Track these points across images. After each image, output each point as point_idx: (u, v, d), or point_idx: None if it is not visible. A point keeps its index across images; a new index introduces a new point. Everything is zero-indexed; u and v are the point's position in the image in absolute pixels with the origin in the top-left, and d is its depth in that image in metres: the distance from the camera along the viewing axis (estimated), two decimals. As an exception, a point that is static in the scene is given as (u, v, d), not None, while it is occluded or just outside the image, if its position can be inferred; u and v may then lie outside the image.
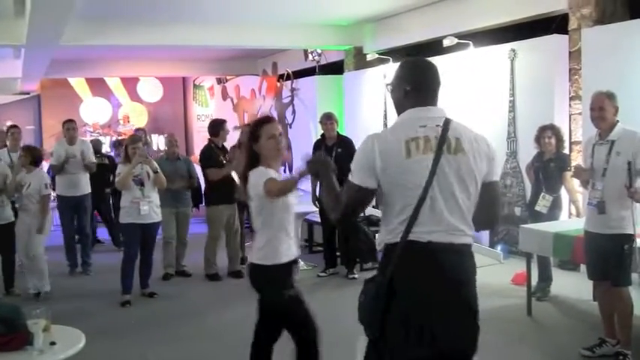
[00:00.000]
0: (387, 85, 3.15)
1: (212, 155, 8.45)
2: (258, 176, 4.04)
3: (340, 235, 8.40)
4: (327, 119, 8.32)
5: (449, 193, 2.88)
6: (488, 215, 3.08)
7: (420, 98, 2.99)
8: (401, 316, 2.84)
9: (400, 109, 3.07)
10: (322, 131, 8.45)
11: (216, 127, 8.67)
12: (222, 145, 8.63)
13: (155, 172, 7.48)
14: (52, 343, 3.71)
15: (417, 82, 3.02)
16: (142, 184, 7.40)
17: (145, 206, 7.36)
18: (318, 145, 8.40)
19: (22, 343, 3.68)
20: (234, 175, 8.69)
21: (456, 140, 2.92)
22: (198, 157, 8.93)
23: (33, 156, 7.69)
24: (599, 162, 5.10)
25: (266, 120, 4.25)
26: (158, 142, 18.00)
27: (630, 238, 4.96)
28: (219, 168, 8.27)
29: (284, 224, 4.15)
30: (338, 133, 8.24)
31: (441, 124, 2.93)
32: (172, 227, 8.49)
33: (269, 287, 4.18)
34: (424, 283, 2.84)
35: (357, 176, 2.91)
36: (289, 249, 4.19)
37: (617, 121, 5.07)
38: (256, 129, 4.15)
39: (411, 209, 2.85)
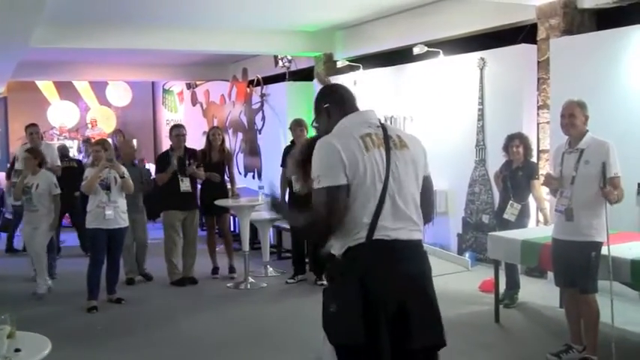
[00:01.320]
0: (313, 124, 3.29)
1: (165, 160, 8.44)
2: None
3: (309, 242, 8.39)
4: (297, 126, 8.31)
5: (404, 188, 2.97)
6: (428, 207, 3.18)
7: (345, 107, 3.14)
8: (375, 316, 2.86)
9: (332, 125, 3.13)
10: (292, 137, 8.44)
11: (170, 132, 8.78)
12: (189, 150, 8.55)
13: (122, 176, 7.42)
14: (17, 350, 3.61)
15: (337, 99, 3.19)
16: (108, 188, 7.34)
17: (110, 211, 7.30)
18: (288, 152, 8.39)
19: (-15, 351, 3.60)
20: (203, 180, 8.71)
21: (398, 137, 3.04)
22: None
23: (38, 158, 7.77)
24: (568, 170, 5.16)
25: None
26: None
27: (597, 245, 5.01)
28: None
29: None
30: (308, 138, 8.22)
31: (379, 125, 3.06)
32: (130, 235, 8.36)
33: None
34: (394, 281, 2.90)
35: (325, 179, 2.89)
36: None
37: (587, 131, 5.13)
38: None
39: (373, 206, 2.89)
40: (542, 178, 7.09)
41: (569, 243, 5.11)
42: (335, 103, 3.16)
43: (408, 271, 2.94)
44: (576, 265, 5.07)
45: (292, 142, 8.44)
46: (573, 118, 5.13)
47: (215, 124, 13.97)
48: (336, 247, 3.00)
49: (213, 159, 8.75)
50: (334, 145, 2.90)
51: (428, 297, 3.01)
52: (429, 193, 3.19)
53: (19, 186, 7.55)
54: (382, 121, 3.12)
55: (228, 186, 9.04)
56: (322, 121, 3.22)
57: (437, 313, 3.02)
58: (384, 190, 2.90)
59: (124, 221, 7.50)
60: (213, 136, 8.83)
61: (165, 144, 18.63)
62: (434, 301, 3.03)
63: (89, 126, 18.42)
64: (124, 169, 7.50)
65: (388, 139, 3.00)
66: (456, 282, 7.71)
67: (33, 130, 8.94)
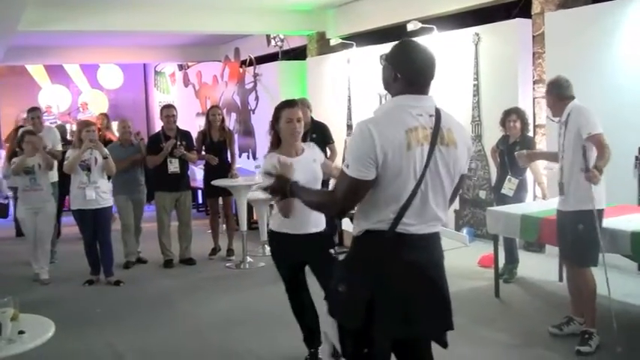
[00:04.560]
0: (381, 57, 3.02)
1: (156, 142, 8.41)
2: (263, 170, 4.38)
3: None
4: (301, 105, 8.22)
5: (438, 185, 2.88)
6: (452, 199, 3.09)
7: (412, 87, 2.89)
8: (388, 302, 2.85)
9: (389, 89, 2.98)
10: None
11: (160, 113, 8.74)
12: (181, 131, 8.51)
13: (105, 157, 7.43)
14: (21, 332, 3.63)
15: (410, 71, 2.90)
16: (88, 169, 7.38)
17: (91, 192, 7.35)
18: None
19: (-11, 334, 3.60)
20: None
21: (448, 131, 2.88)
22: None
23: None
24: (559, 143, 5.18)
25: (288, 104, 4.47)
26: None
27: (585, 215, 4.90)
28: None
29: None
30: (312, 118, 8.16)
31: (434, 114, 2.88)
32: (130, 215, 8.40)
33: None
34: (408, 274, 2.87)
35: (354, 168, 2.77)
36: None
37: (568, 102, 5.08)
38: (278, 111, 4.39)
39: (402, 200, 2.81)
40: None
41: (562, 213, 5.14)
42: (405, 79, 2.89)
43: (419, 261, 2.90)
44: (567, 237, 5.09)
45: None
46: (547, 100, 5.27)
47: (209, 105, 13.90)
48: (356, 226, 2.96)
49: (214, 139, 8.71)
50: (372, 136, 2.73)
51: (437, 286, 2.96)
52: (458, 188, 3.08)
53: (19, 165, 7.46)
54: (438, 110, 2.91)
55: None
56: (387, 76, 2.97)
57: (446, 303, 2.99)
58: (417, 187, 2.81)
59: (105, 201, 7.54)
60: (213, 116, 8.77)
61: (158, 125, 18.52)
62: (445, 291, 2.99)
63: (80, 109, 18.35)
64: (106, 150, 7.51)
65: (437, 132, 2.84)
66: (455, 258, 7.68)
67: (34, 115, 8.81)
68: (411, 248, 2.88)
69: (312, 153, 4.65)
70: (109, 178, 7.75)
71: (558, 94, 5.14)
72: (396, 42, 3.02)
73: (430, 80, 2.92)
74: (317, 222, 4.55)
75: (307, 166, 4.35)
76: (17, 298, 3.68)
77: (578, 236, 4.95)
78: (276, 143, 4.39)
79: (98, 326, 6.19)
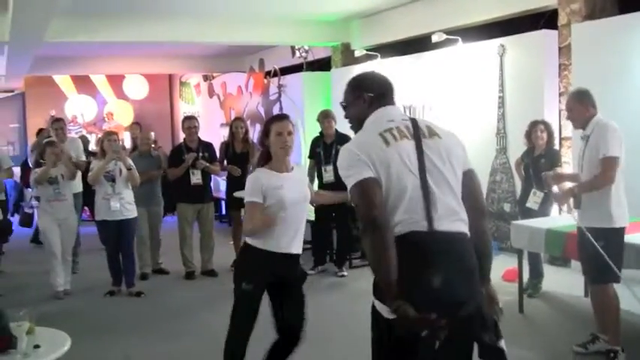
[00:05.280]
0: (342, 103, 3.15)
1: (178, 154, 8.44)
2: (248, 183, 4.23)
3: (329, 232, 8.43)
4: (325, 117, 8.24)
5: (441, 180, 2.82)
6: (478, 202, 2.98)
7: (381, 101, 3.02)
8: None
9: (362, 118, 3.04)
10: (320, 129, 8.38)
11: (182, 124, 8.75)
12: (203, 142, 8.53)
13: (129, 168, 7.45)
14: (37, 346, 3.60)
15: (374, 86, 3.05)
16: (113, 180, 7.40)
17: (116, 202, 7.38)
18: (317, 143, 8.38)
19: (5, 347, 3.57)
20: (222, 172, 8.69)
21: (427, 128, 2.93)
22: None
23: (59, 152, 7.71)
24: (579, 157, 5.12)
25: (277, 118, 4.37)
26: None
27: (605, 233, 4.85)
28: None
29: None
30: (336, 130, 8.14)
31: (407, 118, 2.97)
32: (145, 226, 8.41)
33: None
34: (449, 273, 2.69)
35: (353, 175, 2.77)
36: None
37: (594, 115, 5.02)
38: (267, 125, 4.29)
39: (415, 198, 2.74)
40: (565, 167, 7.05)
41: (580, 230, 5.04)
42: (378, 95, 3.03)
43: (455, 267, 2.73)
44: (585, 253, 5.00)
45: (321, 133, 8.39)
46: (572, 112, 5.12)
47: (233, 116, 13.92)
48: None
49: (237, 150, 8.70)
50: (356, 153, 2.81)
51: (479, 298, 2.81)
52: (477, 186, 3.00)
53: (42, 174, 7.47)
54: (411, 116, 3.08)
55: None
56: (358, 107, 3.07)
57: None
58: (424, 182, 2.77)
59: (129, 212, 7.55)
60: (236, 128, 8.75)
61: (183, 137, 18.63)
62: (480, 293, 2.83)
63: (106, 119, 18.47)
64: (130, 161, 7.53)
65: (417, 129, 2.90)
66: (479, 272, 7.61)
67: (58, 126, 8.81)
68: (446, 245, 2.75)
69: (301, 173, 4.61)
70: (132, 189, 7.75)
71: (587, 104, 5.04)
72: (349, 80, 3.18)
73: (392, 91, 3.08)
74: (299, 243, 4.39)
75: (297, 185, 4.29)
76: (33, 311, 3.65)
77: (597, 253, 4.84)
78: (265, 159, 4.28)
79: (118, 337, 6.18)
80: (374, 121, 2.96)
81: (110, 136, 7.57)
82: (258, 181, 4.15)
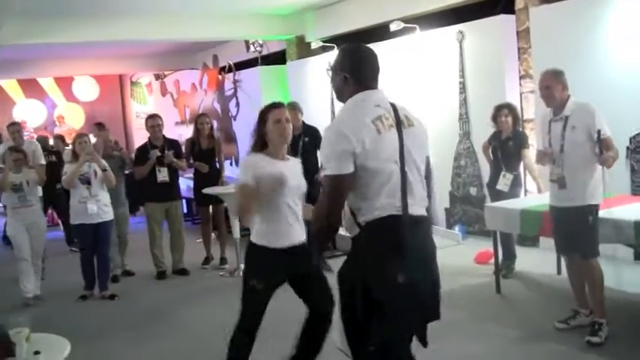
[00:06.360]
0: (328, 70, 3.25)
1: (144, 152, 8.33)
2: (243, 165, 4.23)
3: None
4: (292, 109, 8.17)
5: (414, 165, 3.04)
6: (429, 187, 3.22)
7: (362, 85, 3.08)
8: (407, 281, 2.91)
9: (341, 95, 3.17)
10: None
11: (145, 123, 8.63)
12: (168, 140, 8.45)
13: (103, 170, 7.34)
14: (37, 352, 3.52)
15: (355, 70, 3.09)
16: (88, 182, 7.27)
17: (93, 205, 7.25)
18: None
19: (4, 355, 3.49)
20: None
21: (405, 117, 3.10)
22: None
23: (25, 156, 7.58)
24: (556, 138, 5.15)
25: (274, 105, 4.34)
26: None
27: (593, 208, 5.00)
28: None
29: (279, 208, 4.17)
30: (303, 122, 8.09)
31: (389, 106, 3.09)
32: (113, 228, 8.27)
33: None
34: (418, 253, 2.99)
35: (332, 166, 2.90)
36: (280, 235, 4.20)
37: (569, 96, 5.11)
38: (264, 113, 4.27)
39: (395, 184, 2.94)
40: (532, 149, 7.16)
41: (566, 209, 5.11)
42: (354, 77, 3.08)
43: (421, 248, 3.05)
44: (575, 231, 5.08)
45: None
46: (550, 90, 5.12)
47: (189, 114, 13.82)
48: (363, 218, 3.00)
49: (203, 146, 8.64)
50: (344, 132, 2.89)
51: (434, 270, 3.13)
52: (430, 173, 3.24)
53: (5, 180, 7.29)
54: (391, 101, 3.13)
55: None
56: (338, 83, 3.16)
57: (437, 288, 3.15)
58: (402, 169, 2.96)
59: (106, 214, 7.43)
60: (202, 124, 8.69)
61: (137, 137, 18.43)
62: (436, 276, 3.14)
63: (57, 123, 18.14)
64: (104, 163, 7.40)
65: (398, 118, 3.05)
66: (450, 256, 7.69)
67: (14, 129, 8.77)
68: (417, 228, 3.00)
69: (296, 163, 4.53)
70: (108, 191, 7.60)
71: (565, 84, 5.12)
72: (339, 49, 3.28)
73: (377, 73, 3.15)
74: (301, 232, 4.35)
75: (294, 173, 4.29)
76: (30, 317, 3.58)
77: (588, 229, 4.97)
78: (260, 146, 4.24)
79: (101, 342, 6.08)
80: (357, 104, 3.04)
81: (81, 138, 7.41)
82: (254, 164, 4.11)
